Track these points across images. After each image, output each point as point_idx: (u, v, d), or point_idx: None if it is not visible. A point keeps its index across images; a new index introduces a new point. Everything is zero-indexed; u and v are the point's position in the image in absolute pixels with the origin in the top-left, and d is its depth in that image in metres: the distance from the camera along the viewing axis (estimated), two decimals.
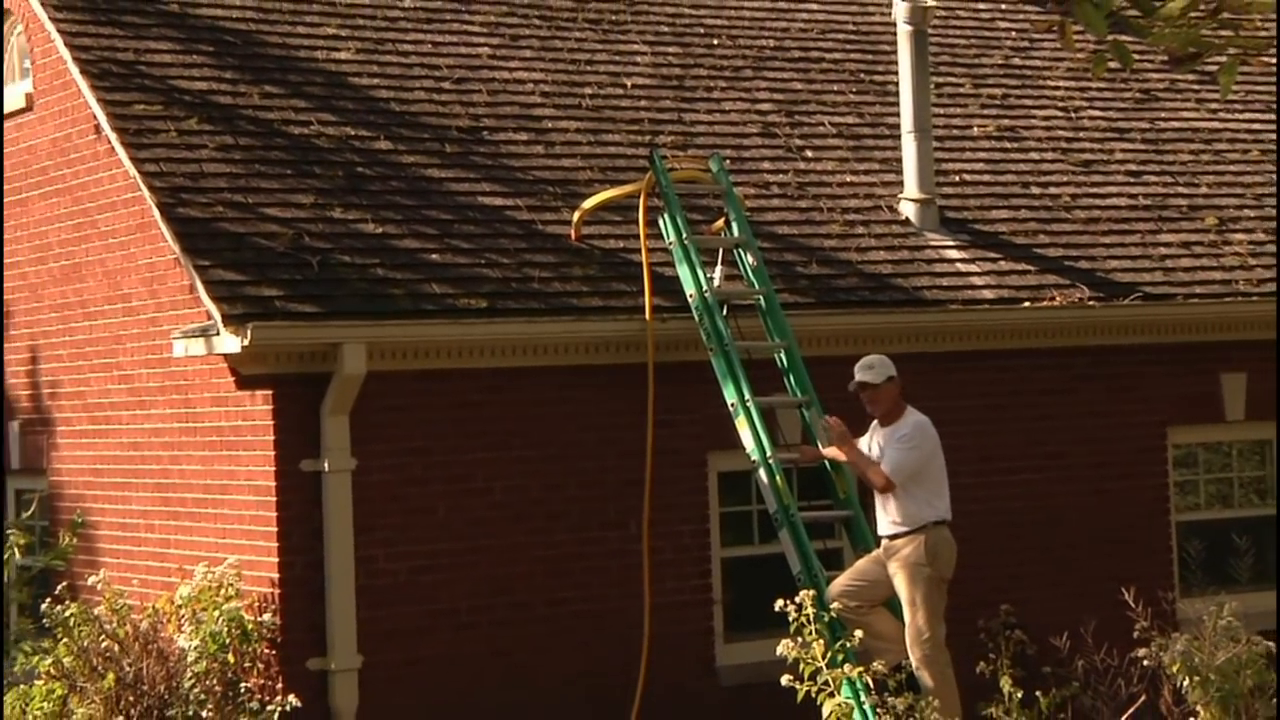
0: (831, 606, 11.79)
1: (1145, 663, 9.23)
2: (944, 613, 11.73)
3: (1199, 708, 8.92)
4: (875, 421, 12.17)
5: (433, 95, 14.57)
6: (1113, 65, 9.05)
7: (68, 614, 12.67)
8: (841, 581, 11.98)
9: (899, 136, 15.16)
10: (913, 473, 11.82)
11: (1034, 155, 16.18)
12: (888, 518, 11.86)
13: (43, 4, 14.14)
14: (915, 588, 11.64)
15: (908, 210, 14.96)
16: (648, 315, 13.12)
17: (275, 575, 12.42)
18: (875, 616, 11.79)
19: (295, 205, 13.14)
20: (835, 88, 16.10)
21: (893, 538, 11.78)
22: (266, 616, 12.34)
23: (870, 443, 12.14)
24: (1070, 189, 15.90)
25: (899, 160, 15.15)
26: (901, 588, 11.70)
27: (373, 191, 13.51)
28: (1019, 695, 8.94)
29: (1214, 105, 17.32)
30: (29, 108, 15.56)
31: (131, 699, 12.23)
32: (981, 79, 16.86)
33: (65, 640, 12.57)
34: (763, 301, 13.24)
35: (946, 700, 11.26)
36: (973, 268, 14.72)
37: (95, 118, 13.86)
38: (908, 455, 11.84)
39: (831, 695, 10.03)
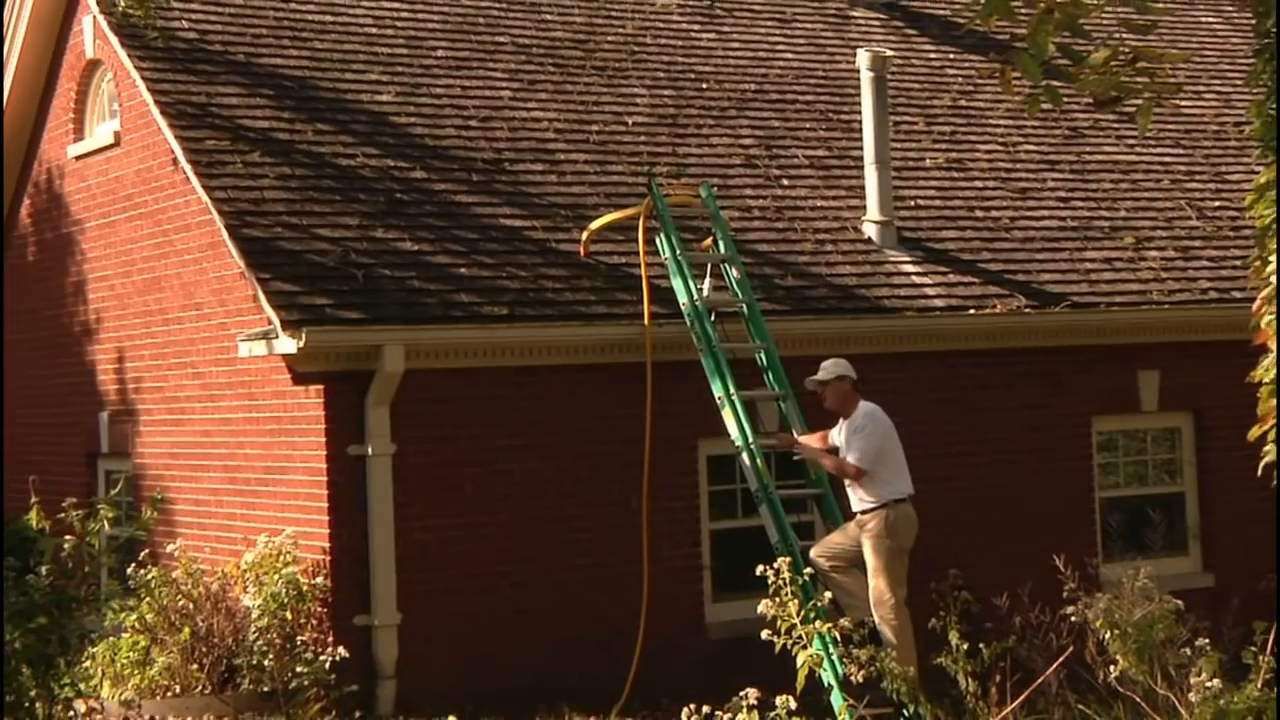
0: (816, 562, 11.85)
1: (1073, 619, 9.19)
2: (904, 578, 11.72)
3: (1118, 657, 8.89)
4: (840, 418, 12.18)
5: (461, 132, 14.54)
6: (1046, 106, 8.99)
7: (149, 577, 12.69)
8: (824, 544, 12.02)
9: (862, 167, 15.12)
10: (876, 454, 11.81)
11: (978, 183, 16.15)
12: (856, 497, 11.87)
13: (129, 55, 14.12)
14: (879, 557, 11.64)
15: (870, 231, 14.93)
16: (646, 321, 13.10)
17: (326, 544, 12.42)
18: (849, 577, 11.80)
19: (343, 226, 13.12)
20: (807, 125, 16.07)
21: (862, 513, 11.78)
22: (319, 580, 12.33)
23: (838, 433, 12.14)
24: (1009, 212, 15.88)
25: (862, 188, 15.11)
26: (868, 556, 11.70)
27: (409, 214, 13.49)
28: (965, 647, 8.91)
29: (1131, 141, 17.29)
30: (117, 144, 15.53)
31: (204, 650, 12.25)
32: (933, 118, 16.82)
33: (147, 599, 12.59)
34: (745, 309, 13.22)
35: (904, 652, 11.24)
36: (926, 280, 14.69)
37: (173, 152, 13.85)
38: (866, 441, 11.84)
39: (805, 647, 9.99)
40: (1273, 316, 9.28)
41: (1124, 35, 9.20)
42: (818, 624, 10.39)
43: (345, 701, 11.56)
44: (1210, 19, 20.22)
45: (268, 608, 12.05)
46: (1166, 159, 17.39)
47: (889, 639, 11.38)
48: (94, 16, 15.04)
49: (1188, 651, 8.92)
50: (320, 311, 12.30)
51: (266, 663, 11.86)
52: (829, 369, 12.17)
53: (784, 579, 10.00)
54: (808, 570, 11.55)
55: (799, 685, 9.63)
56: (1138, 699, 8.77)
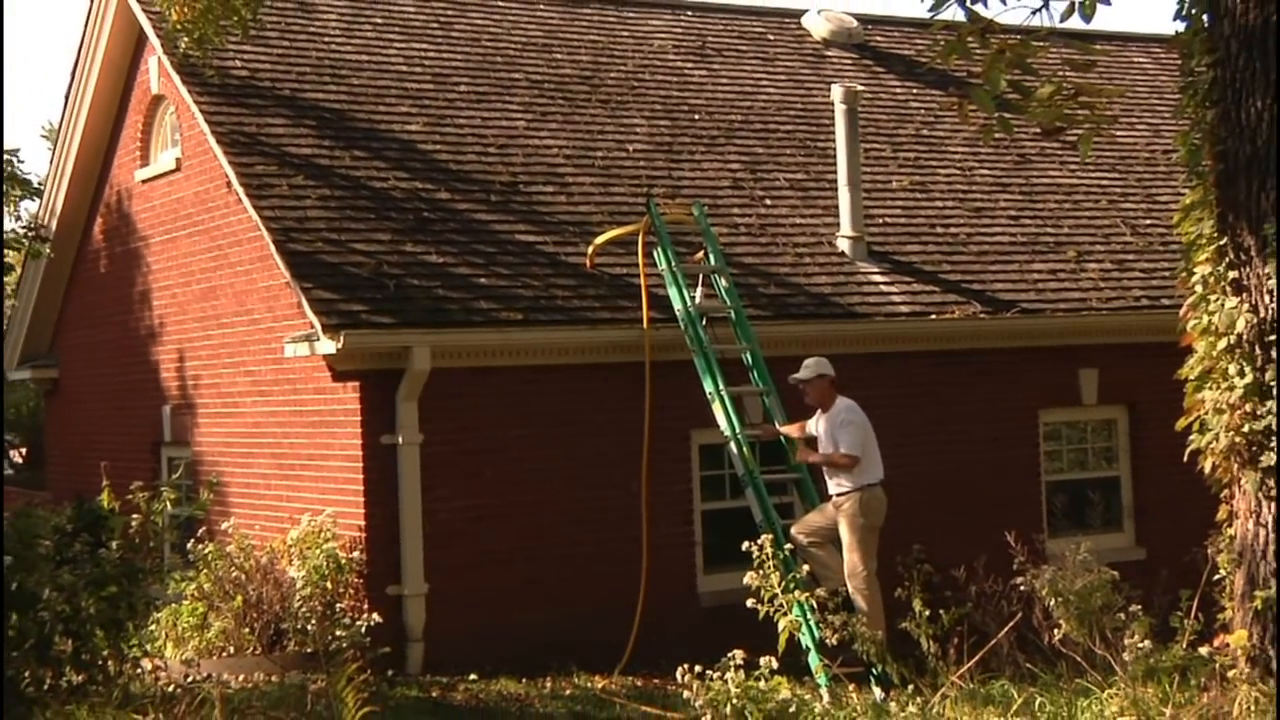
0: (796, 538, 11.85)
1: (1022, 588, 9.20)
2: (875, 552, 11.72)
3: (1062, 621, 8.90)
4: (818, 410, 12.17)
5: (481, 157, 14.55)
6: (998, 135, 9.02)
7: (207, 551, 12.73)
8: (803, 522, 12.02)
9: (836, 189, 15.14)
10: (859, 443, 11.79)
11: (938, 203, 16.16)
12: (834, 482, 11.84)
13: (189, 91, 14.13)
14: (853, 535, 11.64)
15: (843, 245, 14.94)
16: (645, 325, 13.11)
17: (361, 523, 12.43)
18: (825, 552, 11.80)
19: (376, 241, 13.13)
20: (788, 152, 16.09)
21: (838, 495, 11.78)
22: (355, 554, 12.34)
23: (816, 424, 12.13)
24: (966, 229, 15.89)
25: (836, 207, 15.13)
26: (844, 533, 11.69)
27: (435, 231, 13.50)
28: (927, 613, 8.90)
29: (1073, 166, 17.30)
30: (178, 169, 15.55)
31: (254, 615, 12.29)
32: (898, 145, 16.83)
33: (205, 571, 12.63)
34: (733, 314, 13.23)
35: (874, 618, 11.24)
36: (892, 289, 14.70)
37: (227, 176, 13.86)
38: (853, 432, 11.82)
39: (785, 614, 10.00)
40: (1196, 321, 9.30)
41: (1067, 73, 9.19)
42: (797, 593, 10.41)
43: (379, 662, 11.57)
44: (1142, 59, 20.25)
45: (310, 579, 12.07)
46: (1104, 182, 17.40)
47: (860, 606, 11.39)
48: (159, 57, 15.06)
49: (1122, 616, 8.93)
50: (356, 317, 12.31)
51: (310, 627, 11.87)
52: (810, 367, 12.16)
53: (767, 554, 10.02)
54: (788, 546, 11.57)
55: (780, 647, 9.63)
56: (1078, 658, 8.78)
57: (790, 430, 12.40)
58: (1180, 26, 9.54)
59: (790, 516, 12.57)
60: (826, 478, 11.94)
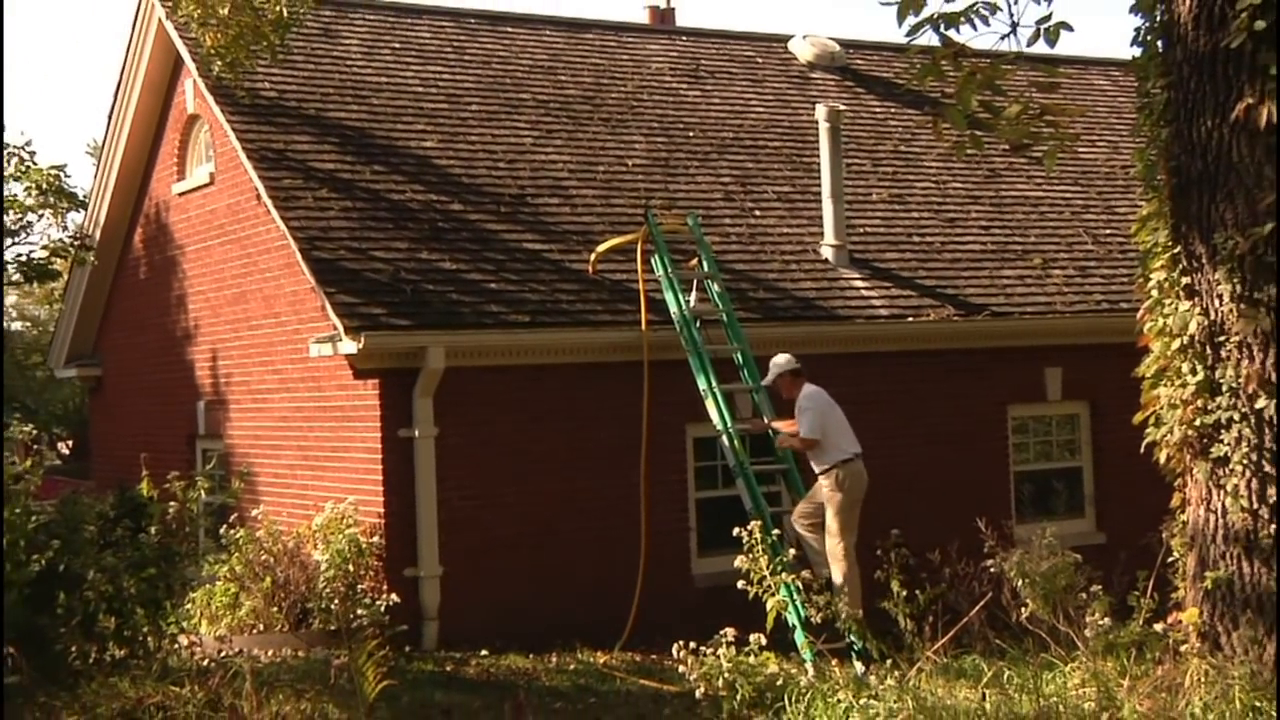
0: (793, 526, 11.91)
1: (992, 570, 9.20)
2: (855, 526, 11.73)
3: (1029, 601, 8.90)
4: None
5: (491, 171, 14.55)
6: (970, 151, 9.03)
7: (238, 536, 12.73)
8: (797, 510, 12.07)
9: (820, 201, 15.14)
10: (818, 426, 11.82)
11: (915, 214, 16.17)
12: (815, 464, 11.88)
13: (222, 110, 14.14)
14: (831, 507, 11.69)
15: (827, 253, 14.94)
16: (643, 327, 13.11)
17: (381, 510, 12.43)
18: (819, 538, 11.78)
19: (394, 249, 13.13)
20: (775, 166, 16.09)
21: (819, 474, 11.81)
22: (375, 539, 12.35)
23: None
24: (940, 238, 15.89)
25: (820, 218, 15.13)
26: (825, 507, 11.72)
27: (449, 239, 13.50)
28: (904, 594, 8.91)
29: (1039, 180, 17.31)
30: (211, 183, 15.56)
31: (282, 595, 12.30)
32: (878, 160, 16.84)
33: (236, 554, 12.64)
34: (724, 317, 13.23)
35: (852, 592, 11.25)
36: (872, 294, 14.71)
37: (256, 189, 13.86)
38: (810, 417, 11.87)
39: (773, 594, 10.00)
40: (1152, 323, 9.31)
41: (1033, 94, 9.20)
42: (784, 575, 10.41)
43: (397, 638, 11.58)
44: (1102, 82, 20.26)
45: (334, 561, 12.08)
46: (1067, 195, 17.41)
47: (836, 577, 11.40)
48: (194, 80, 15.05)
49: (1084, 596, 8.93)
50: (376, 319, 12.32)
51: (333, 606, 11.88)
52: (771, 370, 12.28)
53: (756, 539, 10.03)
54: (775, 531, 11.57)
55: (768, 625, 9.65)
56: (1044, 635, 8.78)
57: (779, 425, 12.41)
58: (1137, 51, 9.56)
59: (778, 505, 12.59)
60: (811, 462, 11.97)
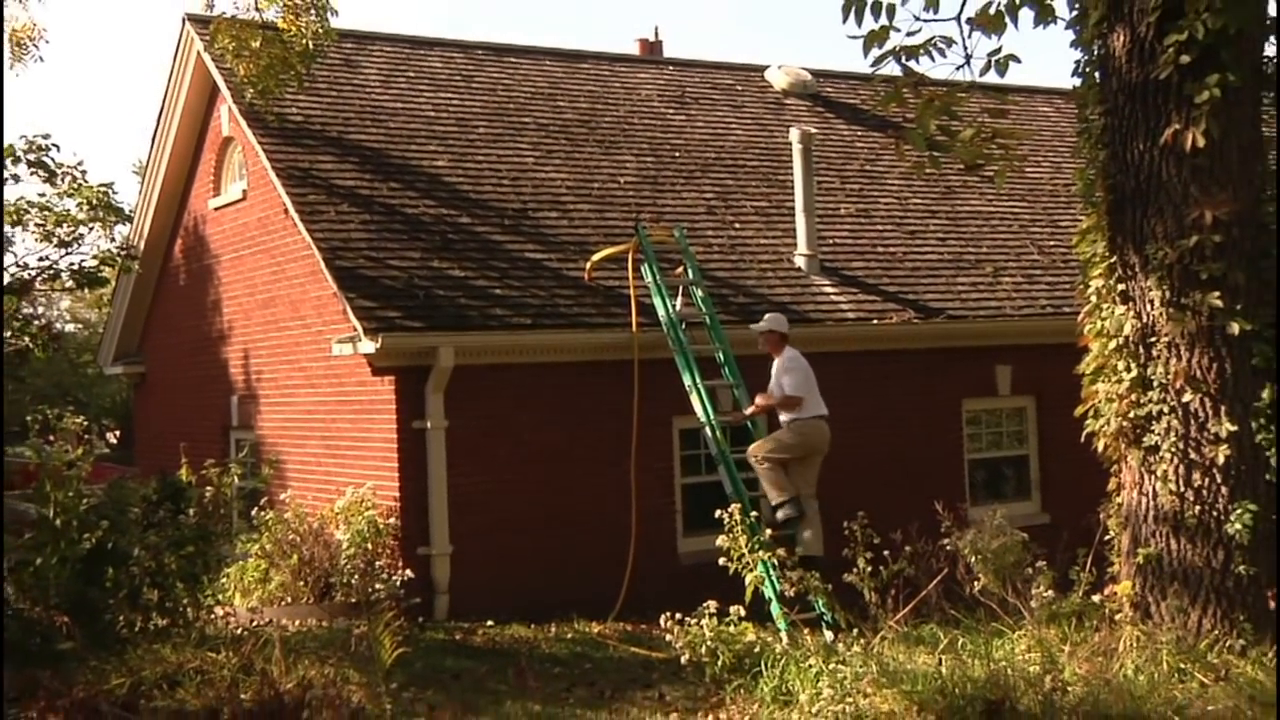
0: (749, 457, 11.89)
1: (948, 548, 9.24)
2: (814, 480, 11.82)
3: (981, 575, 8.94)
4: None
5: (496, 188, 14.56)
6: (929, 170, 9.07)
7: (268, 517, 12.73)
8: (755, 444, 12.01)
9: (794, 215, 15.17)
10: (802, 384, 11.84)
11: (879, 227, 16.19)
12: (783, 417, 11.94)
13: (253, 132, 14.12)
14: (783, 443, 11.80)
15: (800, 262, 14.96)
16: (634, 329, 13.11)
17: (397, 494, 12.43)
18: (803, 520, 11.76)
19: (408, 258, 13.14)
20: (753, 184, 16.11)
21: (785, 425, 11.89)
22: (392, 520, 12.35)
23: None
24: (901, 249, 15.92)
25: (794, 230, 15.15)
26: (779, 442, 11.84)
27: (457, 249, 13.50)
28: (869, 569, 8.94)
29: (990, 196, 17.34)
30: (244, 198, 15.55)
31: (308, 571, 12.29)
32: (846, 178, 16.87)
33: (266, 534, 12.63)
34: (707, 320, 13.24)
35: (814, 534, 11.46)
36: (841, 299, 14.73)
37: (284, 204, 13.86)
38: (795, 376, 11.89)
39: (751, 570, 10.03)
40: (1091, 326, 9.36)
41: (985, 119, 9.24)
42: (761, 553, 10.43)
43: (411, 610, 11.58)
44: (1046, 108, 20.31)
45: (354, 540, 12.08)
46: (1016, 210, 17.44)
47: (774, 500, 11.59)
48: (229, 106, 15.05)
49: (1030, 570, 8.98)
50: (392, 322, 12.32)
51: (354, 581, 11.90)
52: (766, 321, 12.28)
53: (736, 520, 10.04)
54: (754, 514, 11.59)
55: (747, 598, 9.67)
56: (994, 606, 8.82)
57: (753, 408, 12.38)
58: (1077, 82, 9.63)
59: (756, 490, 12.60)
60: (780, 420, 11.96)
